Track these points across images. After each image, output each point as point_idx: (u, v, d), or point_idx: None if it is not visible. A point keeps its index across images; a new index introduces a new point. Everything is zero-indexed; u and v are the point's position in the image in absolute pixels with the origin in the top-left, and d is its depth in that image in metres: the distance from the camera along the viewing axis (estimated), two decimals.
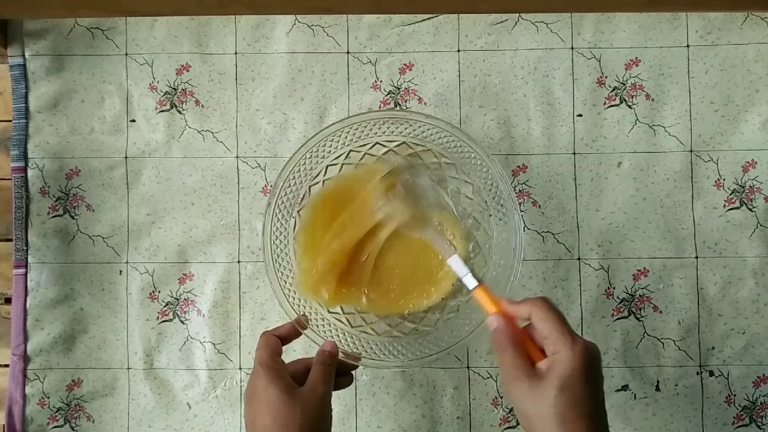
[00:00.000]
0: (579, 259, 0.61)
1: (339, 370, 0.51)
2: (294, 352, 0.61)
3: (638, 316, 0.61)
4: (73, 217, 0.62)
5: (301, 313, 0.55)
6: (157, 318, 0.62)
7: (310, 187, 0.58)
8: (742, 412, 0.60)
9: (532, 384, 0.42)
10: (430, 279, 0.58)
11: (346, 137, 0.57)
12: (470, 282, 0.49)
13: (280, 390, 0.46)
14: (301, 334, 0.53)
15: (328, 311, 0.58)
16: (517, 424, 0.61)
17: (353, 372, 0.54)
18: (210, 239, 0.62)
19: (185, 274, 0.62)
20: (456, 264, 0.51)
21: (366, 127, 0.57)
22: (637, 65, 0.62)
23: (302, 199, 0.58)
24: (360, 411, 0.61)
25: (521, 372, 0.42)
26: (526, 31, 0.62)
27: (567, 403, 0.40)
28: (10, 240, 0.62)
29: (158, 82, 0.63)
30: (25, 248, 0.62)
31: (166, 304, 0.62)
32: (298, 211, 0.58)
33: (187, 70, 0.63)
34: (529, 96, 0.62)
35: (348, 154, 0.59)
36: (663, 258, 0.61)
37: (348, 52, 0.63)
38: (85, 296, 0.62)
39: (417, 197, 0.57)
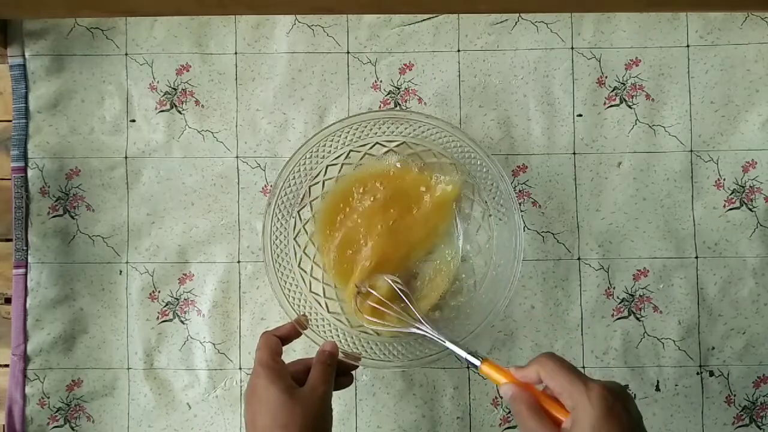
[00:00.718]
0: (579, 259, 0.61)
1: (339, 370, 0.51)
2: (294, 352, 0.61)
3: (638, 316, 0.61)
4: (73, 217, 0.62)
5: (301, 313, 0.55)
6: (157, 318, 0.62)
7: (310, 187, 0.58)
8: (742, 412, 0.60)
9: None
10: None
11: (346, 137, 0.57)
12: (474, 360, 0.48)
13: (280, 390, 0.46)
14: (301, 334, 0.53)
15: (328, 311, 0.58)
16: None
17: (353, 372, 0.54)
18: (210, 239, 0.62)
19: (185, 274, 0.62)
20: (455, 349, 0.51)
21: (366, 127, 0.57)
22: (637, 65, 0.62)
23: (302, 199, 0.58)
24: (360, 411, 0.61)
25: None
26: (526, 31, 0.62)
27: None
28: (10, 240, 0.62)
29: (158, 82, 0.63)
30: (25, 248, 0.62)
31: (166, 304, 0.62)
32: (298, 211, 0.58)
33: (187, 70, 0.63)
34: (529, 96, 0.62)
35: (348, 154, 0.59)
36: (663, 258, 0.61)
37: (348, 52, 0.63)
38: (85, 296, 0.62)
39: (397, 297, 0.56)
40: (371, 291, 0.56)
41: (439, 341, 0.52)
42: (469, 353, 0.49)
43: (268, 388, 0.46)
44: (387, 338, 0.57)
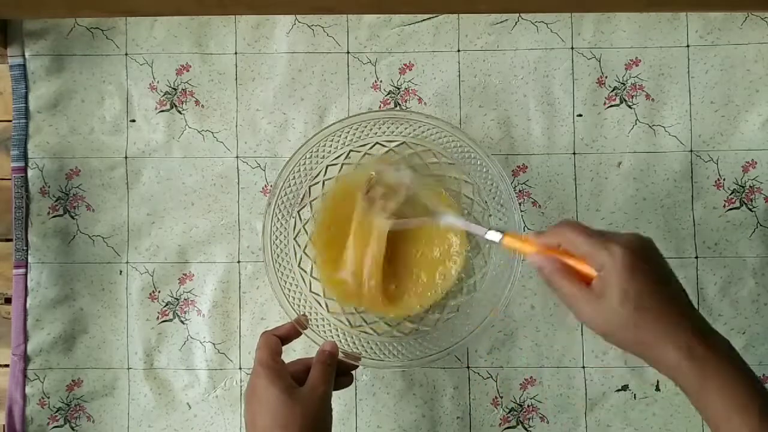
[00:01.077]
0: None
1: (339, 370, 0.51)
2: (294, 352, 0.61)
3: None
4: (73, 217, 0.62)
5: (301, 313, 0.55)
6: (157, 318, 0.62)
7: (310, 187, 0.58)
8: None
9: (598, 308, 0.41)
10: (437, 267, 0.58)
11: (346, 137, 0.57)
12: (494, 236, 0.48)
13: (279, 390, 0.46)
14: (301, 334, 0.53)
15: (328, 311, 0.58)
16: (517, 423, 0.61)
17: (353, 372, 0.54)
18: (210, 239, 0.62)
19: (185, 274, 0.62)
20: (473, 228, 0.51)
21: (366, 127, 0.57)
22: (637, 65, 0.62)
23: (302, 199, 0.58)
24: (360, 411, 0.61)
25: (583, 298, 0.41)
26: (526, 31, 0.62)
27: (635, 312, 0.39)
28: (10, 240, 0.62)
29: (158, 82, 0.63)
30: (25, 248, 0.62)
31: (166, 304, 0.62)
32: (298, 211, 0.58)
33: (187, 70, 0.63)
34: (529, 96, 0.62)
35: (348, 154, 0.59)
36: None
37: (348, 52, 0.63)
38: (85, 296, 0.62)
39: (398, 190, 0.57)
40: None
41: (457, 221, 0.52)
42: (488, 229, 0.49)
43: (267, 388, 0.46)
44: (387, 338, 0.57)
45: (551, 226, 0.45)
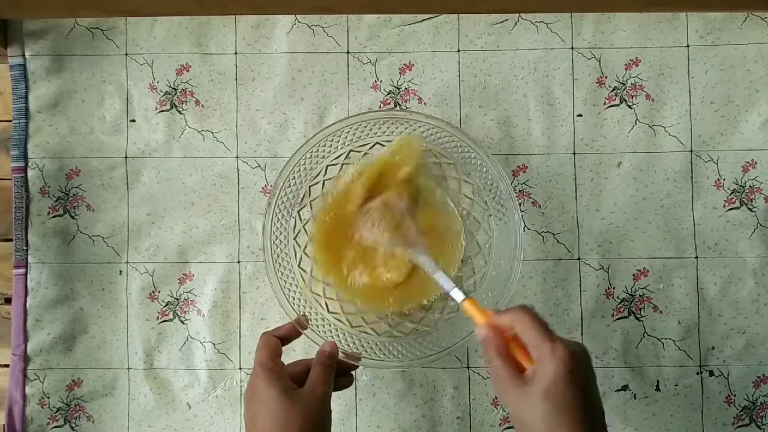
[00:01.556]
0: (579, 259, 0.61)
1: (339, 371, 0.51)
2: (294, 352, 0.61)
3: (638, 316, 0.61)
4: (73, 217, 0.62)
5: (301, 313, 0.55)
6: (157, 318, 0.62)
7: (310, 187, 0.58)
8: (742, 412, 0.60)
9: (520, 391, 0.42)
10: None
11: (346, 137, 0.57)
12: (458, 295, 0.50)
13: (279, 391, 0.46)
14: (301, 334, 0.53)
15: (328, 311, 0.58)
16: None
17: (353, 372, 0.54)
18: (210, 239, 0.62)
19: (185, 274, 0.62)
20: (442, 279, 0.52)
21: (366, 127, 0.57)
22: (637, 65, 0.62)
23: (302, 199, 0.58)
24: (360, 411, 0.61)
25: (509, 380, 0.43)
26: (526, 31, 0.62)
27: (554, 410, 0.41)
28: (10, 240, 0.62)
29: (158, 82, 0.63)
30: (25, 248, 0.62)
31: (166, 304, 0.62)
32: (298, 211, 0.58)
33: (187, 70, 0.63)
34: (529, 96, 0.62)
35: (348, 154, 0.59)
36: (663, 258, 0.61)
37: (348, 52, 0.63)
38: (85, 296, 0.62)
39: (396, 217, 0.56)
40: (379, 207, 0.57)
41: (430, 266, 0.53)
42: (455, 287, 0.51)
43: (267, 389, 0.46)
44: (387, 338, 0.57)
45: (510, 308, 0.46)
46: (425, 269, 0.53)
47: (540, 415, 0.41)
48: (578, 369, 0.42)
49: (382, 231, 0.56)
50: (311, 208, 0.59)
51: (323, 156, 0.58)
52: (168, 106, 0.63)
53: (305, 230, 0.59)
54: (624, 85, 0.62)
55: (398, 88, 0.63)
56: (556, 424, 0.41)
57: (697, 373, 0.61)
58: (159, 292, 0.62)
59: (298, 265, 0.58)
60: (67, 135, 0.62)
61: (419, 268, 0.55)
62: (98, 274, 0.62)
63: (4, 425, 0.61)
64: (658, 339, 0.61)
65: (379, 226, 0.56)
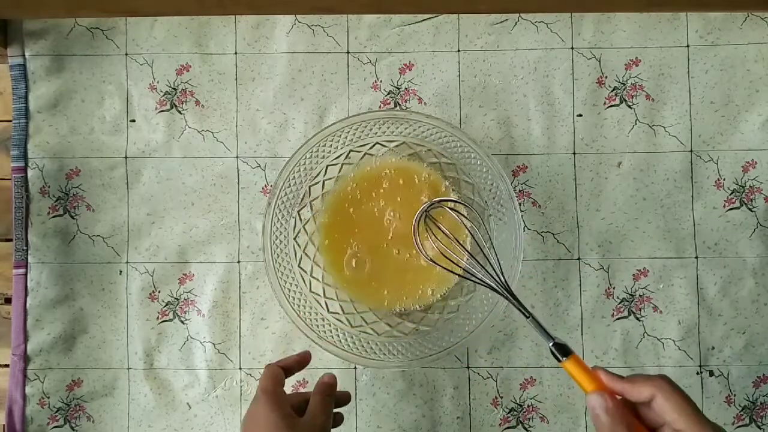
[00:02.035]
0: (579, 259, 0.61)
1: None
2: (294, 351, 0.61)
3: (638, 316, 0.61)
4: (73, 217, 0.62)
5: (301, 313, 0.55)
6: (157, 318, 0.62)
7: (310, 187, 0.58)
8: (742, 412, 0.60)
9: None
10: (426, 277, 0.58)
11: (346, 137, 0.57)
12: (558, 355, 0.43)
13: (280, 417, 0.46)
14: (304, 367, 0.54)
15: (328, 311, 0.58)
16: (517, 423, 0.61)
17: (342, 410, 0.55)
18: (210, 239, 0.62)
19: (185, 274, 0.62)
20: (537, 329, 0.45)
21: (366, 127, 0.57)
22: (637, 65, 0.62)
23: (302, 199, 0.58)
24: (360, 411, 0.61)
25: None
26: (526, 31, 0.62)
27: None
28: (10, 240, 0.62)
29: (158, 82, 0.63)
30: (25, 248, 0.62)
31: (166, 304, 0.62)
32: (298, 211, 0.58)
33: (187, 70, 0.63)
34: (529, 96, 0.62)
35: (348, 154, 0.59)
36: (663, 258, 0.61)
37: (348, 52, 0.63)
38: (85, 296, 0.62)
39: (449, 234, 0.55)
40: (438, 224, 0.54)
41: (520, 307, 0.46)
42: (555, 343, 0.43)
43: (269, 414, 0.46)
44: (387, 338, 0.57)
45: (645, 376, 0.40)
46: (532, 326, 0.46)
47: None
48: None
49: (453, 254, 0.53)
50: (311, 208, 0.59)
51: (323, 156, 0.58)
52: (168, 106, 0.63)
53: (305, 230, 0.59)
54: (624, 85, 0.62)
55: (398, 88, 0.63)
56: None
57: (697, 373, 0.61)
58: (159, 292, 0.62)
59: (298, 265, 0.58)
60: (67, 135, 0.62)
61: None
62: (98, 274, 0.62)
63: (4, 425, 0.61)
64: (658, 339, 0.61)
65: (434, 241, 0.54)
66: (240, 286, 0.62)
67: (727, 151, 0.62)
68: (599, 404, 0.39)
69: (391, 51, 0.62)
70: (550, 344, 0.43)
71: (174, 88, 0.63)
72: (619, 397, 0.40)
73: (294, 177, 0.57)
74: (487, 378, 0.61)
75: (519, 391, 0.61)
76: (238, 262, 0.62)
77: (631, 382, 0.39)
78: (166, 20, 0.62)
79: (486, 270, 0.50)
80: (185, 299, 0.62)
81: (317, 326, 0.56)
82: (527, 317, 0.46)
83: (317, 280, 0.59)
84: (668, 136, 0.62)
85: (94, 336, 0.62)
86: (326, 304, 0.58)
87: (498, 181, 0.56)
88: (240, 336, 0.62)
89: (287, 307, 0.55)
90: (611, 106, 0.62)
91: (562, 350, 0.43)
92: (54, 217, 0.62)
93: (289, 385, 0.61)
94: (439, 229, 0.54)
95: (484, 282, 0.49)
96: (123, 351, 0.62)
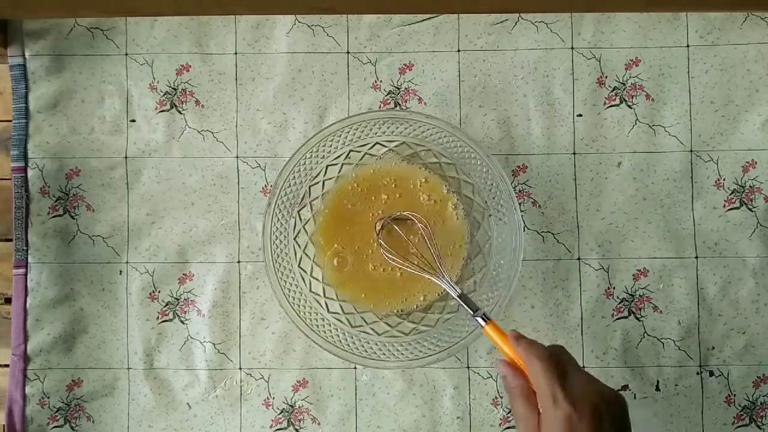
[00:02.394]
0: (579, 259, 0.61)
1: None
2: (294, 351, 0.61)
3: (638, 316, 0.61)
4: (73, 217, 0.62)
5: (301, 312, 0.55)
6: (157, 318, 0.62)
7: (310, 187, 0.58)
8: (742, 412, 0.60)
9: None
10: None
11: (346, 137, 0.57)
12: (480, 320, 0.51)
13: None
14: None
15: (328, 311, 0.58)
16: None
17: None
18: (210, 239, 0.62)
19: (185, 274, 0.62)
20: (464, 304, 0.53)
21: (366, 127, 0.57)
22: (637, 65, 0.62)
23: (302, 199, 0.58)
24: (360, 411, 0.61)
25: (525, 423, 0.43)
26: (526, 31, 0.62)
27: None
28: (10, 240, 0.62)
29: (158, 82, 0.63)
30: (25, 248, 0.62)
31: (166, 304, 0.62)
32: (298, 211, 0.58)
33: (187, 70, 0.63)
34: (529, 96, 0.62)
35: (348, 154, 0.59)
36: (663, 258, 0.61)
37: (348, 52, 0.63)
38: (85, 296, 0.62)
39: (417, 241, 0.58)
40: (394, 227, 0.58)
41: (452, 290, 0.54)
42: (476, 311, 0.52)
43: None
44: (387, 338, 0.57)
45: (530, 344, 0.46)
46: (450, 293, 0.54)
47: None
48: (577, 427, 0.41)
49: (403, 256, 0.57)
50: (311, 208, 0.59)
51: (323, 156, 0.58)
52: (168, 106, 0.63)
53: (305, 230, 0.59)
54: (624, 85, 0.62)
55: (398, 88, 0.63)
56: None
57: (697, 373, 0.61)
58: (159, 292, 0.62)
59: (298, 265, 0.58)
60: (67, 135, 0.62)
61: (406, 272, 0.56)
62: (98, 274, 0.62)
63: (4, 425, 0.61)
64: (658, 339, 0.61)
65: (400, 249, 0.57)
66: (240, 286, 0.62)
67: (727, 151, 0.62)
68: (502, 372, 0.47)
69: (391, 51, 0.62)
70: (473, 313, 0.51)
71: (174, 88, 0.63)
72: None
73: (294, 177, 0.57)
74: (487, 378, 0.61)
75: None
76: (238, 262, 0.62)
77: (518, 346, 0.46)
78: (166, 20, 0.62)
79: (433, 267, 0.56)
80: (185, 299, 0.62)
81: (317, 326, 0.56)
82: (457, 295, 0.53)
83: (317, 280, 0.59)
84: (668, 136, 0.62)
85: (94, 336, 0.62)
86: (326, 304, 0.58)
87: (498, 181, 0.56)
88: (240, 336, 0.62)
89: (287, 307, 0.55)
90: (611, 106, 0.62)
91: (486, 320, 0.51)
92: (54, 217, 0.62)
93: (290, 386, 0.61)
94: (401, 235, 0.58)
95: (426, 272, 0.55)
96: (123, 351, 0.62)
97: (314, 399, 0.61)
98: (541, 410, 0.43)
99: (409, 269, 0.56)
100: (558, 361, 0.45)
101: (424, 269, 0.56)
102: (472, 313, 0.52)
